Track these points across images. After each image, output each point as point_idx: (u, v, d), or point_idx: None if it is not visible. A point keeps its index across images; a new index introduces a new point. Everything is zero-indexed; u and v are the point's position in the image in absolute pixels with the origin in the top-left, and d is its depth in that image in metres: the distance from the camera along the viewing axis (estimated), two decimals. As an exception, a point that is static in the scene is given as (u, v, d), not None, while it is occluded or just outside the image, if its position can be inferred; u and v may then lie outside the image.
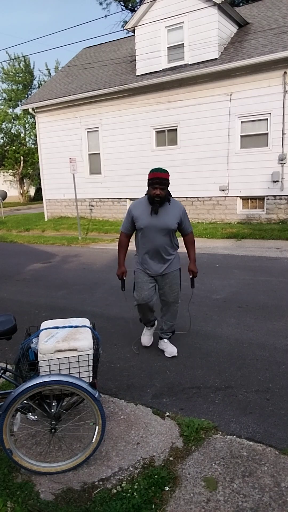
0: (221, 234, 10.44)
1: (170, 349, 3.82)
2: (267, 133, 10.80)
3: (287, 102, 10.40)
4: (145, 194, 3.47)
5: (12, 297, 6.07)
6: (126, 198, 13.71)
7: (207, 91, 11.47)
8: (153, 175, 3.27)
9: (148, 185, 3.35)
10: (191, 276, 3.72)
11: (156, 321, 4.09)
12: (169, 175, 3.32)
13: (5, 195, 19.13)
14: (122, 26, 25.81)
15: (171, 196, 3.47)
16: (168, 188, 3.36)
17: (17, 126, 30.63)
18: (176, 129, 12.23)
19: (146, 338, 4.02)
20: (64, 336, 2.36)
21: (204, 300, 5.33)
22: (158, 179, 3.25)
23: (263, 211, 11.34)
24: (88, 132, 14.17)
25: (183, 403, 3.01)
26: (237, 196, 11.62)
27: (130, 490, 2.16)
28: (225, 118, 11.29)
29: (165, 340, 3.87)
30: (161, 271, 3.58)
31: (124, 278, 3.73)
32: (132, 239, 3.69)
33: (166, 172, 3.30)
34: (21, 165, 29.35)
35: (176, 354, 3.76)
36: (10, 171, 29.91)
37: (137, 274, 3.66)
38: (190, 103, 11.80)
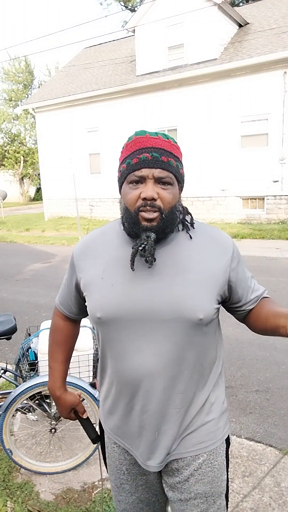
0: (221, 234, 10.44)
1: None
2: (267, 133, 10.80)
3: (287, 102, 10.40)
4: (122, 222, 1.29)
5: (12, 297, 6.07)
6: (126, 198, 13.71)
7: (207, 91, 11.47)
8: (134, 145, 1.13)
9: (121, 182, 1.26)
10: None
11: None
12: (178, 148, 1.14)
13: (5, 195, 19.14)
14: (122, 26, 25.84)
15: (189, 213, 1.31)
16: (183, 185, 1.21)
17: (17, 126, 30.68)
18: (176, 129, 12.23)
19: None
20: (64, 336, 2.36)
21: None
22: (148, 150, 1.09)
23: (263, 211, 11.34)
24: (88, 132, 14.17)
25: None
26: (237, 196, 11.63)
27: (130, 490, 2.15)
28: (225, 118, 11.30)
29: None
30: (160, 460, 1.14)
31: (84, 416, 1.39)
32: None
33: (168, 138, 1.11)
34: (21, 165, 29.36)
35: None
36: (10, 171, 29.93)
37: (107, 442, 1.28)
38: (190, 103, 11.80)
